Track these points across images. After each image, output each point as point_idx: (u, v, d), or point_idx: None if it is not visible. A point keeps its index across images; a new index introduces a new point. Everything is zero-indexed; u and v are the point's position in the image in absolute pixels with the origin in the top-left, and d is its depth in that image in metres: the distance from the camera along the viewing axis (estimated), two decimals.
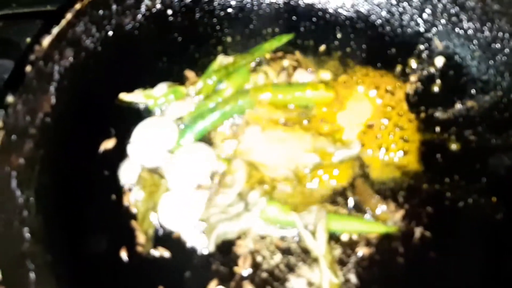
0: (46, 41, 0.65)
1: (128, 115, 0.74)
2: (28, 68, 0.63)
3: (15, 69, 0.65)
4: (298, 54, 0.81)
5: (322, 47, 0.81)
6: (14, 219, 0.58)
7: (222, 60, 0.80)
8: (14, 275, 0.54)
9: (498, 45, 0.72)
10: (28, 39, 0.89)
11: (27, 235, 0.59)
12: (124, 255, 0.65)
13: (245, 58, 0.79)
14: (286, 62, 0.80)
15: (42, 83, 0.66)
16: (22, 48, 0.88)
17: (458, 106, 0.75)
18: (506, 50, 0.72)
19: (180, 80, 0.78)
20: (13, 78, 0.63)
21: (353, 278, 0.65)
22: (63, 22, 0.67)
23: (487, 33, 0.73)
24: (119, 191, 0.70)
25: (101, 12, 0.73)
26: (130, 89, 0.75)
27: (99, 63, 0.74)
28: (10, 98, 0.61)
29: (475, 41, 0.75)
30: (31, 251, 0.58)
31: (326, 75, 0.78)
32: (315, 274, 0.65)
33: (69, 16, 0.68)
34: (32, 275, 0.56)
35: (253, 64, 0.80)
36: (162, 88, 0.77)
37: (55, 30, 0.66)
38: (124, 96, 0.76)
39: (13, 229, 0.58)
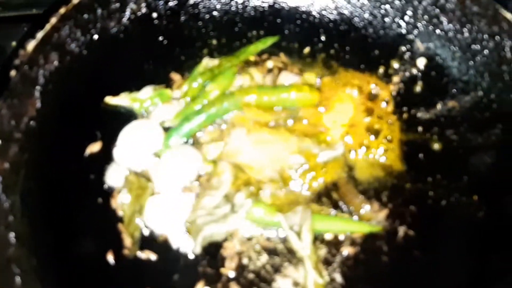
0: (31, 45, 0.65)
1: (113, 119, 0.75)
2: (13, 73, 0.63)
3: None
4: (283, 56, 0.82)
5: (307, 49, 0.82)
6: (0, 224, 0.58)
7: (207, 62, 0.80)
8: (0, 279, 0.54)
9: (477, 46, 0.74)
10: (14, 43, 0.89)
11: (13, 239, 0.59)
12: (110, 258, 0.65)
13: (231, 60, 0.80)
14: (271, 64, 0.81)
15: (27, 87, 0.66)
16: (7, 52, 0.88)
17: (440, 106, 0.76)
18: (486, 51, 0.73)
19: (166, 82, 0.79)
20: None
21: (338, 278, 0.65)
22: (48, 26, 0.67)
23: (466, 34, 0.75)
24: (106, 194, 0.70)
25: (86, 16, 0.73)
26: (115, 93, 0.76)
27: (84, 66, 0.74)
28: None
29: (455, 43, 0.76)
30: (17, 256, 0.58)
31: (310, 77, 0.79)
32: (300, 274, 0.66)
33: (53, 20, 0.68)
34: (18, 279, 0.56)
35: (238, 67, 0.80)
36: (148, 91, 0.77)
37: (40, 34, 0.66)
38: (110, 100, 0.76)
39: None
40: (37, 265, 0.60)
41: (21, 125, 0.65)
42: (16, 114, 0.64)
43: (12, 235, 0.59)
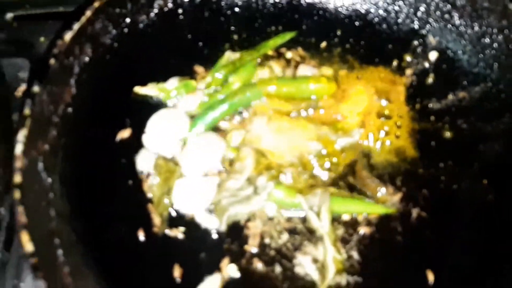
0: (68, 36, 0.70)
1: (142, 107, 0.79)
2: (52, 61, 0.68)
3: (40, 62, 0.70)
4: (300, 51, 0.86)
5: (323, 44, 0.86)
6: (42, 200, 0.63)
7: (229, 56, 0.85)
8: (44, 250, 0.58)
9: (487, 40, 0.78)
10: (42, 39, 0.94)
11: (53, 215, 0.63)
12: (141, 235, 0.70)
13: (251, 54, 0.85)
14: (290, 57, 0.86)
15: (64, 75, 0.71)
16: (36, 48, 0.93)
17: (451, 97, 0.80)
18: (495, 45, 0.77)
19: (190, 75, 0.83)
20: (39, 70, 0.68)
21: (355, 255, 0.69)
22: (83, 19, 0.72)
23: (477, 28, 0.79)
24: (136, 177, 0.74)
25: (117, 10, 0.77)
26: (144, 83, 0.80)
27: (115, 58, 0.79)
28: (36, 88, 0.65)
29: (466, 37, 0.81)
30: (58, 230, 0.62)
31: (327, 70, 0.84)
32: (319, 251, 0.70)
33: (88, 13, 0.72)
34: (59, 251, 0.61)
35: (259, 60, 0.85)
36: (174, 82, 0.82)
37: (76, 26, 0.71)
38: (138, 89, 0.80)
39: (41, 208, 0.62)
40: (76, 240, 0.64)
41: (59, 111, 0.70)
42: (54, 100, 0.69)
43: (53, 211, 0.63)
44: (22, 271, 0.71)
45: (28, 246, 0.55)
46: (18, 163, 0.60)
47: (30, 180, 0.61)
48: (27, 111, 0.63)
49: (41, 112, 0.66)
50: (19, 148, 0.61)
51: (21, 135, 0.62)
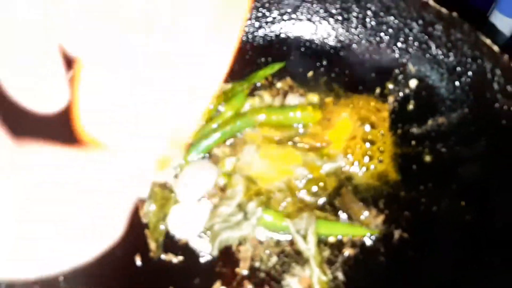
0: None
1: None
2: None
3: None
4: (289, 80, 0.92)
5: (310, 73, 0.91)
6: None
7: (221, 87, 0.90)
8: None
9: (462, 68, 0.82)
10: None
11: None
12: (138, 260, 0.74)
13: (242, 84, 0.90)
14: (279, 86, 0.91)
15: None
16: None
17: (431, 122, 0.84)
18: (469, 73, 0.81)
19: None
20: None
21: (340, 276, 0.73)
22: None
23: (452, 58, 0.83)
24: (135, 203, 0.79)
25: None
26: None
27: None
28: None
29: (443, 65, 0.85)
30: None
31: (314, 97, 0.89)
32: (306, 273, 0.74)
33: None
34: (60, 277, 0.65)
35: (249, 90, 0.90)
36: None
37: None
38: None
39: None
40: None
41: None
42: None
43: None
44: None
45: None
46: None
47: None
48: None
49: None
50: None
51: None
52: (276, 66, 0.92)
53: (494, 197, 0.76)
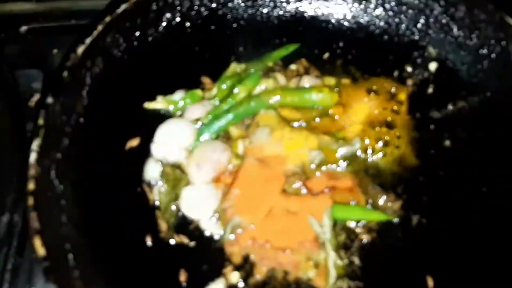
0: (80, 50, 0.73)
1: (151, 117, 0.82)
2: (65, 74, 0.71)
3: (53, 74, 0.73)
4: (304, 62, 0.89)
5: (326, 55, 0.89)
6: (54, 206, 0.65)
7: (235, 67, 0.88)
8: (56, 254, 0.61)
9: (485, 51, 0.80)
10: (55, 51, 0.97)
11: (65, 220, 0.66)
12: (149, 240, 0.72)
13: (256, 65, 0.87)
14: (293, 68, 0.88)
15: (76, 87, 0.74)
16: (48, 59, 0.97)
17: (451, 106, 0.82)
18: (493, 55, 0.79)
19: (197, 86, 0.86)
20: (52, 82, 0.71)
21: (356, 261, 0.71)
22: (95, 33, 0.75)
23: (475, 40, 0.81)
24: (143, 185, 0.77)
25: (127, 24, 0.81)
26: (152, 94, 0.83)
27: (125, 70, 0.82)
28: (49, 100, 0.68)
29: (464, 48, 0.83)
30: (69, 235, 0.65)
31: (330, 80, 0.86)
32: (321, 256, 0.71)
33: (100, 27, 0.76)
34: (70, 255, 0.63)
35: (263, 71, 0.87)
36: (181, 94, 0.85)
37: (88, 40, 0.74)
38: (148, 105, 0.84)
39: (53, 214, 0.65)
40: (86, 245, 0.67)
41: (71, 121, 0.73)
42: (67, 111, 0.72)
43: (64, 217, 0.66)
44: (34, 276, 0.74)
45: (41, 250, 0.58)
46: (32, 171, 0.63)
47: (43, 187, 0.64)
48: (41, 121, 0.66)
49: (54, 122, 0.69)
50: (33, 157, 0.64)
51: (35, 144, 0.65)
52: (291, 47, 0.90)
53: None
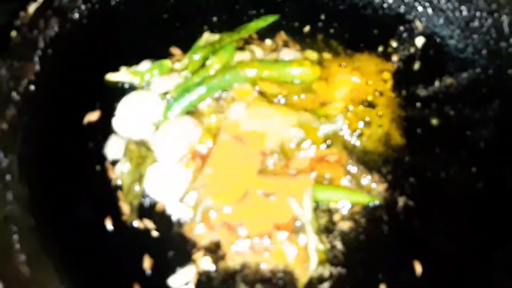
0: (32, 8, 0.65)
1: (112, 89, 0.74)
2: (13, 33, 0.62)
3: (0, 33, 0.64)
4: (283, 35, 0.82)
5: (307, 28, 0.83)
6: None
7: (208, 37, 0.80)
8: None
9: (476, 24, 0.75)
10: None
11: (10, 198, 0.57)
12: (108, 224, 0.64)
13: (231, 36, 0.80)
14: (271, 41, 0.82)
15: (27, 49, 0.66)
16: None
17: (438, 83, 0.77)
18: (484, 29, 0.74)
19: (165, 57, 0.78)
20: None
21: (339, 245, 0.65)
22: None
23: (465, 13, 0.76)
24: (104, 163, 0.69)
25: None
26: (115, 64, 0.75)
27: (84, 36, 0.74)
28: None
29: (454, 21, 0.78)
30: (14, 214, 0.57)
31: (311, 54, 0.80)
32: (301, 241, 0.65)
33: None
34: (15, 236, 0.55)
35: (239, 43, 0.80)
36: (147, 64, 0.77)
37: None
38: (110, 76, 0.75)
39: None
40: (35, 226, 0.58)
41: (20, 88, 0.64)
42: (15, 76, 0.63)
43: (10, 194, 0.57)
44: None
45: None
46: None
47: None
48: None
49: (0, 87, 0.61)
50: None
51: None
52: (270, 19, 0.83)
53: (507, 163, 0.69)
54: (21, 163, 0.61)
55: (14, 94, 0.63)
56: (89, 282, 0.58)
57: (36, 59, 0.67)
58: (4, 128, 0.60)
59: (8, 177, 0.58)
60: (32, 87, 0.66)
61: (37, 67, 0.67)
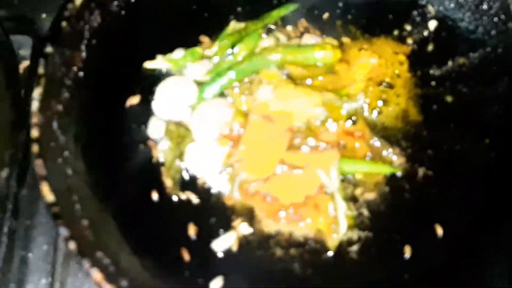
0: (78, 1, 0.70)
1: (150, 75, 0.80)
2: (64, 24, 0.68)
3: (52, 24, 0.70)
4: (304, 22, 0.88)
5: (326, 15, 0.88)
6: (58, 157, 0.63)
7: (234, 26, 0.86)
8: (63, 204, 0.58)
9: (485, 6, 0.81)
10: (44, 15, 0.93)
11: (70, 172, 0.63)
12: (155, 196, 0.70)
13: (256, 24, 0.86)
14: (292, 29, 0.87)
15: (75, 39, 0.71)
16: (37, 24, 0.92)
17: (451, 63, 0.83)
18: (492, 11, 0.80)
19: (196, 45, 0.84)
20: (51, 32, 0.68)
21: (365, 212, 0.71)
22: None
23: None
24: (146, 142, 0.75)
25: None
26: (151, 52, 0.81)
27: (122, 26, 0.79)
28: (49, 49, 0.65)
29: (464, 5, 0.83)
30: (75, 186, 0.62)
31: (331, 39, 0.86)
32: (330, 209, 0.71)
33: None
34: (77, 206, 0.61)
35: (263, 30, 0.86)
36: (180, 52, 0.83)
37: None
38: (147, 64, 0.81)
39: (58, 165, 0.62)
40: (93, 196, 0.64)
41: (71, 74, 0.70)
42: (66, 63, 0.69)
43: (69, 168, 0.63)
44: (29, 242, 0.71)
45: (49, 196, 0.56)
46: (35, 119, 0.61)
47: (46, 137, 0.61)
48: (41, 70, 0.64)
49: (54, 73, 0.66)
50: (35, 105, 0.61)
51: (36, 93, 0.62)
52: (291, 7, 0.89)
53: None
54: (76, 141, 0.67)
55: (66, 79, 0.68)
56: (143, 247, 0.64)
57: (83, 48, 0.72)
58: (60, 109, 0.66)
59: (66, 153, 0.64)
60: (80, 74, 0.71)
61: (84, 55, 0.72)
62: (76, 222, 0.58)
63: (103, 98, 0.74)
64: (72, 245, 0.52)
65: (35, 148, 0.58)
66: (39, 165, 0.57)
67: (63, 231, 0.53)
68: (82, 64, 0.72)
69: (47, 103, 0.63)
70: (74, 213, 0.59)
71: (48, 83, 0.64)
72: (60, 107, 0.66)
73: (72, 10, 0.70)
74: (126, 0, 0.79)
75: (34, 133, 0.59)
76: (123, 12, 0.79)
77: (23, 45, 0.88)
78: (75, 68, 0.71)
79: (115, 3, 0.78)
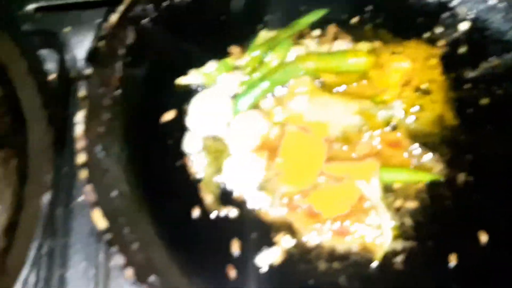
0: (113, 18, 0.70)
1: (183, 89, 0.80)
2: (101, 44, 0.68)
3: (91, 45, 0.70)
4: (333, 27, 0.87)
5: (355, 19, 0.88)
6: (103, 180, 0.63)
7: (264, 35, 0.85)
8: (114, 229, 0.58)
9: None
10: (66, 29, 0.93)
11: (116, 194, 0.63)
12: (196, 213, 0.71)
13: (286, 32, 0.85)
14: (323, 34, 0.87)
15: (111, 58, 0.71)
16: (60, 38, 0.92)
17: (484, 65, 0.82)
18: None
19: (226, 56, 0.83)
20: (90, 53, 0.68)
21: (407, 221, 0.71)
22: (126, 1, 0.72)
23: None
24: (183, 158, 0.75)
25: None
26: (183, 68, 0.80)
27: (155, 40, 0.79)
28: (89, 70, 0.65)
29: (495, 6, 0.82)
30: (122, 208, 0.63)
31: (363, 44, 0.85)
32: (373, 220, 0.71)
33: None
34: (126, 229, 0.61)
35: (293, 38, 0.85)
36: (212, 64, 0.82)
37: (120, 8, 0.71)
38: (181, 81, 0.81)
39: (104, 188, 0.62)
40: (139, 218, 0.65)
41: (109, 93, 0.70)
42: (105, 83, 0.69)
43: (115, 190, 0.64)
44: (67, 260, 0.72)
45: (101, 222, 0.56)
46: (80, 144, 0.61)
47: (91, 161, 0.61)
48: (83, 92, 0.64)
49: (94, 94, 0.66)
50: (79, 129, 0.61)
51: (80, 116, 0.62)
52: (319, 13, 0.88)
53: None
54: (119, 162, 0.67)
55: (105, 100, 0.69)
56: (190, 267, 0.64)
57: (119, 66, 0.72)
58: (102, 131, 0.66)
59: (110, 175, 0.64)
60: (118, 92, 0.71)
61: (120, 74, 0.72)
62: (128, 246, 0.58)
63: (140, 116, 0.74)
64: (129, 273, 0.52)
65: (83, 173, 0.58)
66: (88, 192, 0.57)
67: (119, 259, 0.53)
68: (119, 82, 0.72)
69: (90, 126, 0.63)
70: (124, 237, 0.59)
71: (89, 106, 0.64)
72: (102, 129, 0.66)
73: (107, 28, 0.70)
74: (158, 14, 0.79)
75: (81, 158, 0.59)
76: (155, 28, 0.79)
77: (48, 60, 0.88)
78: (112, 88, 0.71)
79: (148, 18, 0.78)
